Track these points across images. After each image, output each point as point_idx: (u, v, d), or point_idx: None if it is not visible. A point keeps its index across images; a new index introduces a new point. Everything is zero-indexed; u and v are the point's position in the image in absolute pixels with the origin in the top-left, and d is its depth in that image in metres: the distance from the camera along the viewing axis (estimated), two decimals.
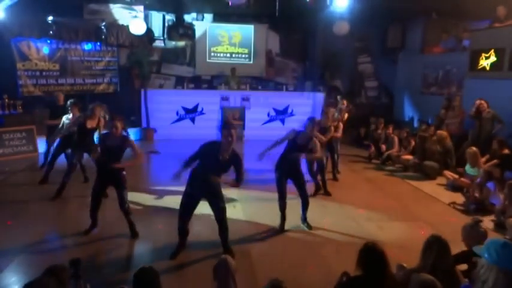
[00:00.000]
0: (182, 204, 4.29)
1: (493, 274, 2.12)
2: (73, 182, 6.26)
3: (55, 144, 6.80)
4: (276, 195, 5.11)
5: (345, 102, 8.12)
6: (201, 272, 3.89)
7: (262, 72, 13.11)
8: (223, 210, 4.26)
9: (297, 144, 5.03)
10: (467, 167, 6.88)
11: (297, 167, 5.09)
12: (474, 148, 6.88)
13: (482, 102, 7.62)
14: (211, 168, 4.04)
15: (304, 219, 5.22)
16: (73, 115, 6.39)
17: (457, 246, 3.21)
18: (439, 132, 8.10)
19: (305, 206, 5.16)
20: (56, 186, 6.09)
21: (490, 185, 5.96)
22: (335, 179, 7.51)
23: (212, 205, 4.26)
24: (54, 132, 6.70)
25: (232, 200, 5.92)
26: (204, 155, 4.10)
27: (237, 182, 4.20)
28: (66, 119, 6.45)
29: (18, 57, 9.52)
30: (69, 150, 6.56)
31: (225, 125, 4.09)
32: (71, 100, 6.65)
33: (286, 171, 5.02)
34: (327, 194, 6.57)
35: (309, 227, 5.16)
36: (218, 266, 2.94)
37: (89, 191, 4.78)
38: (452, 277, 2.78)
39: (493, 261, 2.15)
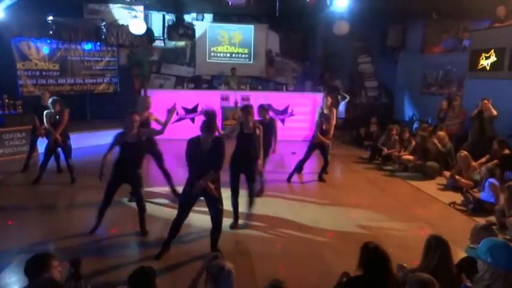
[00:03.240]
0: (181, 203, 4.30)
1: (495, 277, 2.11)
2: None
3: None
4: (274, 194, 5.09)
5: (329, 99, 7.79)
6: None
7: (262, 72, 13.12)
8: (220, 211, 4.25)
9: (244, 134, 4.97)
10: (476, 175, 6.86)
11: (251, 159, 5.05)
12: (465, 152, 6.93)
13: (485, 101, 7.59)
14: (200, 162, 4.06)
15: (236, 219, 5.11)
16: (55, 111, 6.56)
17: (457, 246, 3.21)
18: (438, 132, 8.10)
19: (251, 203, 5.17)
20: (54, 186, 6.09)
21: (487, 182, 5.93)
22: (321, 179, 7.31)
23: (209, 205, 4.26)
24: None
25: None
26: (190, 153, 4.12)
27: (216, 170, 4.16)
28: (45, 115, 6.62)
29: (18, 57, 9.51)
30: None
31: (207, 126, 4.02)
32: (54, 97, 6.76)
33: (239, 165, 5.00)
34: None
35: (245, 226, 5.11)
36: (217, 273, 2.59)
37: (90, 191, 4.78)
38: (453, 278, 2.78)
39: (492, 264, 2.14)
